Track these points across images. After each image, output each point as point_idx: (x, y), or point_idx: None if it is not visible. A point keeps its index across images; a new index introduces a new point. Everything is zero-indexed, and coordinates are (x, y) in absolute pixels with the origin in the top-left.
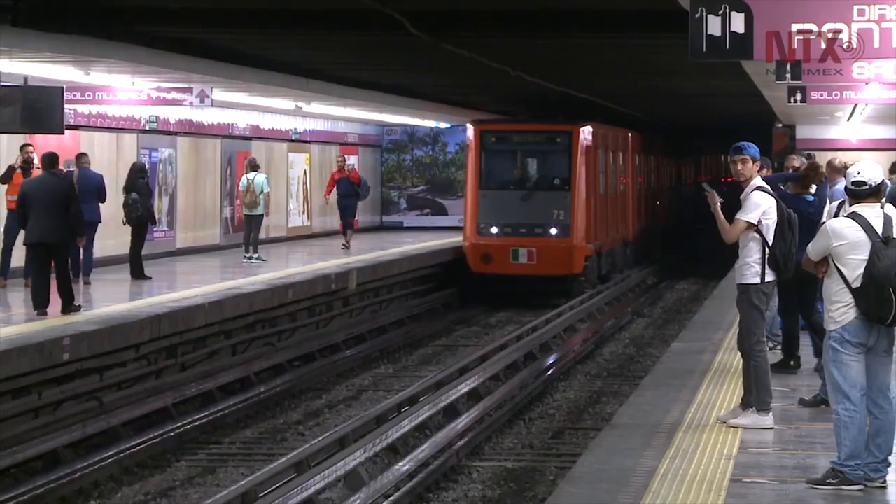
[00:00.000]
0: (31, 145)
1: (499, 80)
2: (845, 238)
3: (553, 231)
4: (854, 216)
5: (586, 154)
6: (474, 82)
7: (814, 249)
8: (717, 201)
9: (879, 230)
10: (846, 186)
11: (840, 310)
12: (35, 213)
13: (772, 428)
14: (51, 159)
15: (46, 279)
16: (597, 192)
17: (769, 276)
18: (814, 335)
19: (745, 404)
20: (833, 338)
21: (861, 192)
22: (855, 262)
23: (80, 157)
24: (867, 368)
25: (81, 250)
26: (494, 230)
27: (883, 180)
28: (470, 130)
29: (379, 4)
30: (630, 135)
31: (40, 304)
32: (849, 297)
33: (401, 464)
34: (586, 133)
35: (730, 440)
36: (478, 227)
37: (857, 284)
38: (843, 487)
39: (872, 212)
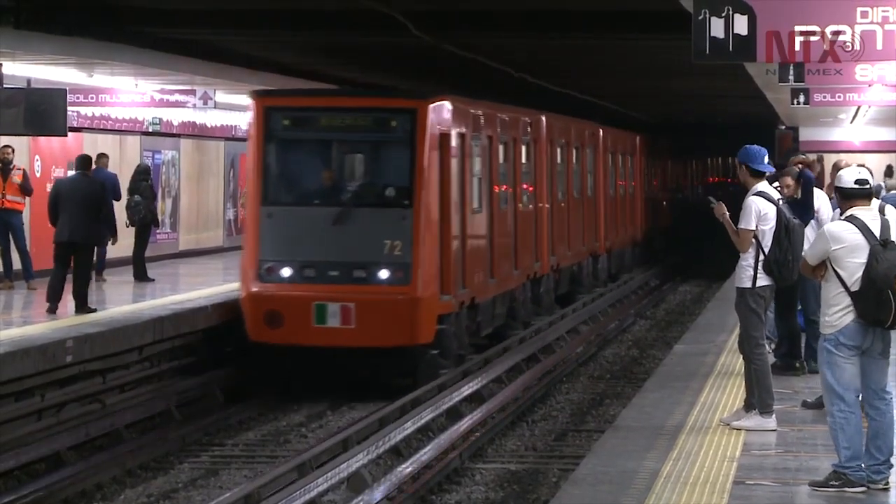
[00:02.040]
0: (9, 146)
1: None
2: (843, 241)
3: (383, 275)
4: (851, 219)
5: (444, 147)
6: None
7: (811, 254)
8: (724, 212)
9: (877, 233)
10: (843, 188)
11: (837, 313)
12: (65, 212)
13: (774, 430)
14: (84, 161)
15: (64, 276)
16: (497, 208)
17: (763, 281)
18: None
19: (748, 406)
20: (828, 340)
21: (862, 192)
22: (853, 265)
23: (100, 158)
24: (863, 371)
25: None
26: (286, 273)
27: (877, 184)
28: (251, 108)
29: (383, 6)
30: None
31: (53, 298)
32: (847, 301)
33: (404, 466)
34: (441, 114)
35: (733, 442)
36: (259, 268)
37: (855, 288)
38: (846, 489)
39: (870, 215)
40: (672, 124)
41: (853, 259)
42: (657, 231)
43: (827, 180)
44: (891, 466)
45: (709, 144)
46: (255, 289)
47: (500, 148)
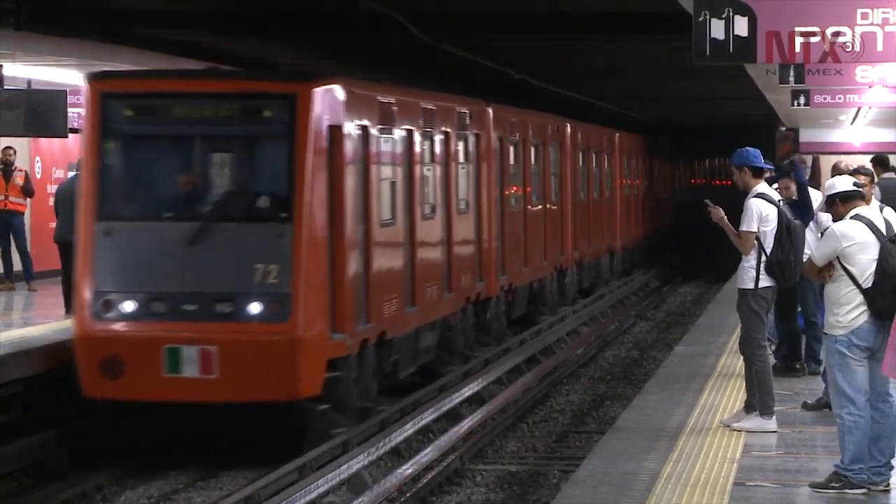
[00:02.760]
0: (11, 148)
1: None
2: (854, 239)
3: (253, 309)
4: (858, 217)
5: (336, 144)
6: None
7: (820, 254)
8: (721, 216)
9: (883, 230)
10: (840, 192)
11: (849, 313)
12: (62, 212)
13: (775, 431)
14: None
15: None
16: (419, 217)
17: (765, 282)
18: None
19: (749, 408)
20: (840, 342)
21: (859, 193)
22: (865, 262)
23: None
24: (869, 374)
25: None
26: (129, 307)
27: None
28: (83, 94)
29: (382, 7)
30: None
31: (67, 304)
32: (859, 298)
33: (404, 467)
34: (332, 101)
35: (733, 444)
36: (94, 302)
37: (867, 284)
38: (847, 491)
39: (873, 213)
40: (668, 125)
41: (864, 256)
42: (640, 240)
43: (825, 180)
44: (892, 468)
45: (706, 145)
46: (88, 328)
47: (424, 144)
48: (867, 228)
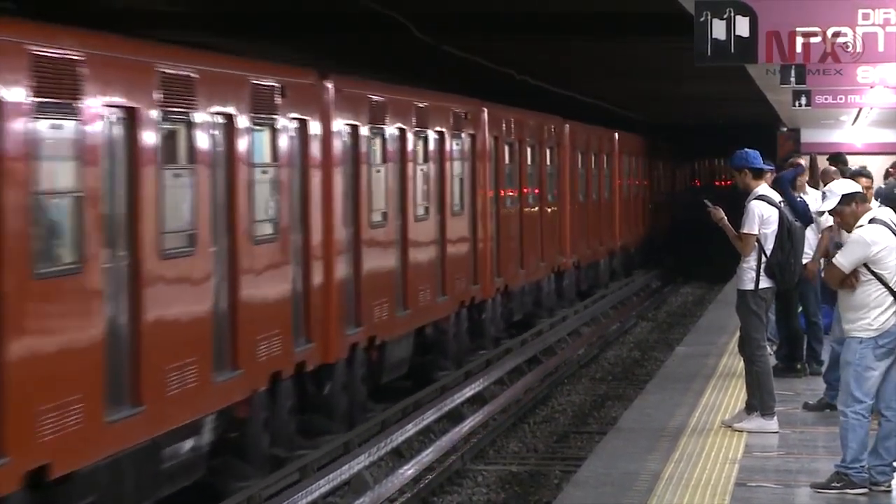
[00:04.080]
0: None
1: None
2: (883, 242)
3: None
4: (876, 220)
5: None
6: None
7: (849, 262)
8: (721, 216)
9: None
10: (846, 195)
11: (881, 315)
12: None
13: (776, 432)
14: None
15: None
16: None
17: (764, 283)
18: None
19: (749, 408)
20: (865, 344)
21: (861, 196)
22: (893, 264)
23: None
24: (887, 372)
25: None
26: None
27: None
28: None
29: (383, 7)
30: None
31: None
32: (890, 300)
33: (405, 468)
34: None
35: (734, 444)
36: None
37: None
38: (848, 491)
39: (886, 214)
40: (669, 126)
41: (893, 258)
42: (640, 240)
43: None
44: (895, 469)
45: (708, 146)
46: None
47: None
48: (889, 231)
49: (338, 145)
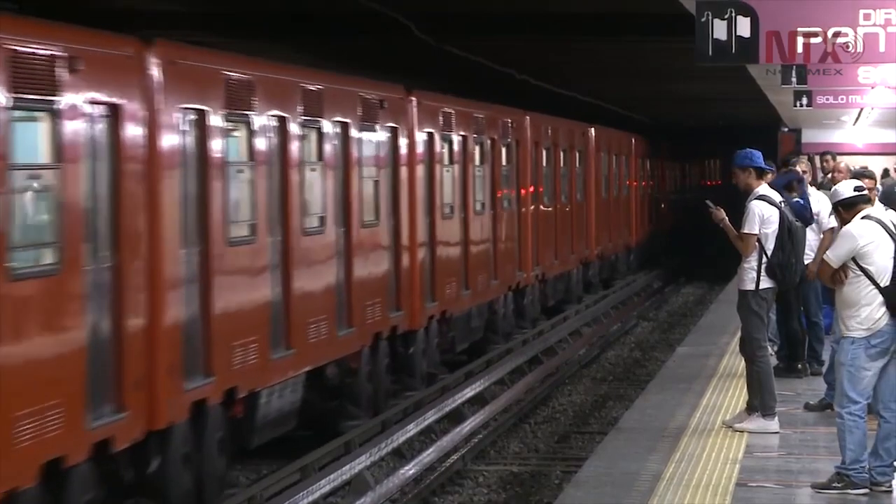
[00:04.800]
0: None
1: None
2: (870, 238)
3: None
4: (869, 217)
5: None
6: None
7: (836, 256)
8: (722, 217)
9: (894, 230)
10: (844, 200)
11: (872, 314)
12: None
13: (777, 432)
14: None
15: None
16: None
17: (765, 284)
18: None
19: (750, 408)
20: (858, 344)
21: (863, 198)
22: (882, 260)
23: None
24: (883, 372)
25: None
26: None
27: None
28: None
29: (385, 8)
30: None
31: None
32: (879, 298)
33: (406, 468)
34: None
35: (735, 444)
36: None
37: (886, 283)
38: (849, 491)
39: (882, 213)
40: (671, 126)
41: (880, 254)
42: (654, 236)
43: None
44: (895, 469)
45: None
46: None
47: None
48: (880, 227)
49: (420, 149)
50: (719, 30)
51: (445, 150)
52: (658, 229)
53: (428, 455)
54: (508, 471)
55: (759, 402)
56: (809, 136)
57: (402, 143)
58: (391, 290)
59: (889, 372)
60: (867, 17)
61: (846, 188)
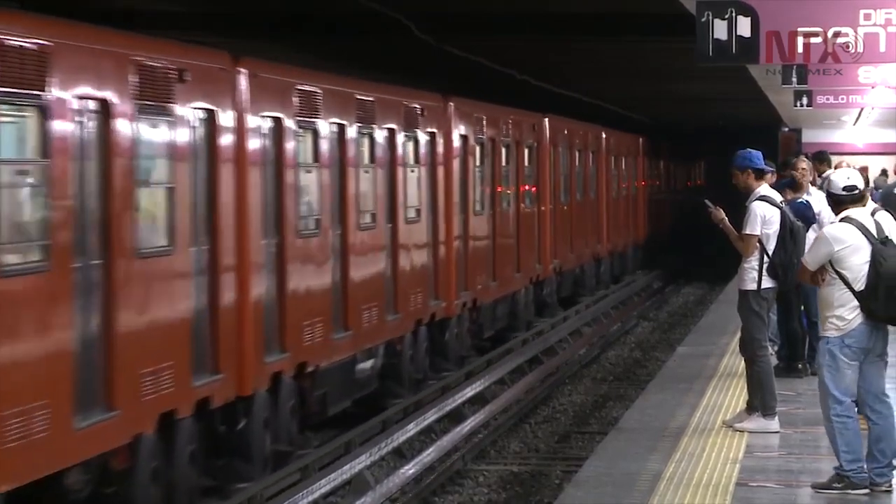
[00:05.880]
0: None
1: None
2: (846, 241)
3: None
4: (848, 220)
5: None
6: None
7: (813, 259)
8: (721, 217)
9: (874, 232)
10: (832, 192)
11: (842, 316)
12: None
13: (777, 432)
14: None
15: None
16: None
17: (767, 283)
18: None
19: (751, 408)
20: (832, 343)
21: (853, 197)
22: (857, 264)
23: None
24: (863, 374)
25: None
26: None
27: (866, 187)
28: None
29: (385, 8)
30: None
31: None
32: (854, 301)
33: (406, 467)
34: None
35: (735, 444)
36: None
37: (860, 287)
38: (849, 492)
39: (865, 215)
40: (672, 126)
41: (856, 259)
42: (662, 233)
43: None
44: (894, 468)
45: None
46: None
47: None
48: (858, 231)
49: (456, 150)
50: (719, 30)
51: (477, 152)
52: (659, 227)
53: (428, 455)
54: (509, 470)
55: (760, 402)
56: (810, 136)
57: (440, 145)
58: (431, 280)
59: (868, 373)
60: (867, 17)
61: (840, 178)
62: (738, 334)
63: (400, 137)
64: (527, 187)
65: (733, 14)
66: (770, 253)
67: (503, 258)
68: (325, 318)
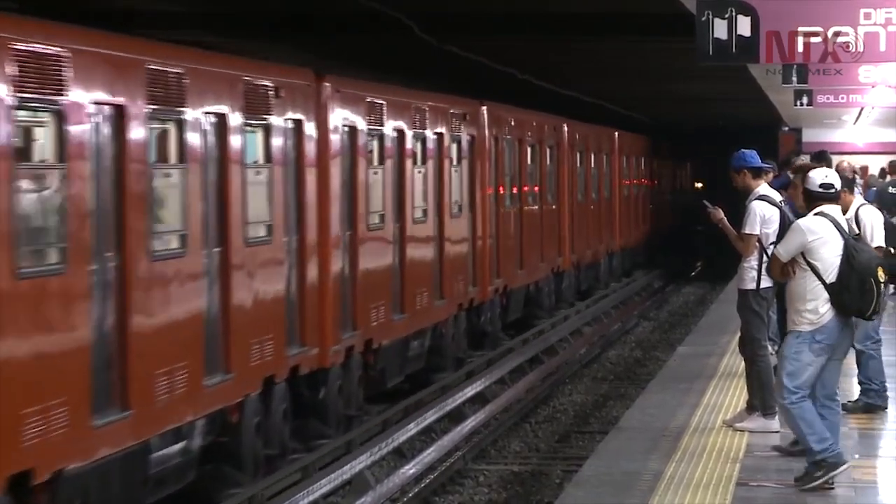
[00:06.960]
0: None
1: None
2: (819, 233)
3: None
4: (822, 214)
5: None
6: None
7: (786, 249)
8: (720, 217)
9: (846, 228)
10: (808, 189)
11: (816, 309)
12: None
13: (778, 431)
14: None
15: None
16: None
17: (766, 283)
18: None
19: (751, 408)
20: (801, 337)
21: (828, 196)
22: (828, 257)
23: None
24: (820, 374)
25: None
26: None
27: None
28: None
29: (386, 8)
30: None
31: None
32: (825, 294)
33: (407, 467)
34: None
35: (736, 444)
36: None
37: (831, 279)
38: (832, 473)
39: (836, 212)
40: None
41: (828, 251)
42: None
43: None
44: (827, 468)
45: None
46: None
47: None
48: (831, 224)
49: (490, 150)
50: (720, 29)
51: (506, 152)
52: (660, 225)
53: (428, 454)
54: (509, 470)
55: (760, 402)
56: (810, 136)
57: (476, 147)
58: (469, 269)
59: (826, 373)
60: (867, 16)
61: (818, 176)
62: (738, 334)
63: (447, 140)
64: (548, 185)
65: (733, 13)
66: (769, 252)
67: (529, 249)
68: (387, 302)
